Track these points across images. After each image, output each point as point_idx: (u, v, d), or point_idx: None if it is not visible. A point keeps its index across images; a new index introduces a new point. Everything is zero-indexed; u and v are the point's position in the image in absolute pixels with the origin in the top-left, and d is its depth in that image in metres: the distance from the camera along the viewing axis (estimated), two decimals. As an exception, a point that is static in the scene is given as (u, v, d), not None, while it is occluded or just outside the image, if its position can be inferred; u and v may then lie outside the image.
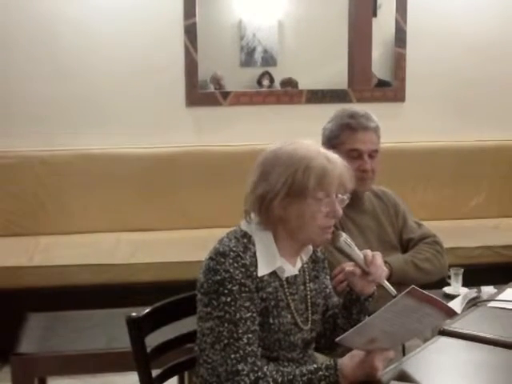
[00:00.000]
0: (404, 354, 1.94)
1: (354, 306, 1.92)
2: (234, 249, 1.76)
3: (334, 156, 1.81)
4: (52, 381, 2.89)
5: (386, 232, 2.52)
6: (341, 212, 1.81)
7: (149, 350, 1.92)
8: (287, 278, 1.84)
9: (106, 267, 3.67)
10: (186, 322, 2.01)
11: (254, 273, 1.76)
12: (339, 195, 1.80)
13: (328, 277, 2.01)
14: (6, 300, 3.55)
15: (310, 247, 1.92)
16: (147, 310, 1.95)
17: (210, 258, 1.77)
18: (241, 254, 1.76)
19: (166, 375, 2.00)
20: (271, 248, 1.81)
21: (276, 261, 1.81)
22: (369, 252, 1.88)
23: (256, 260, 1.77)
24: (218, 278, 1.73)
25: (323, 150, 1.82)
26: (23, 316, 2.82)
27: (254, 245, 1.79)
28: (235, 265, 1.74)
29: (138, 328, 1.90)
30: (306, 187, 1.75)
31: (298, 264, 1.89)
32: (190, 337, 1.96)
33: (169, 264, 3.70)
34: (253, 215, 1.83)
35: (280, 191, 1.76)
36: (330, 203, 1.78)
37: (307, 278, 1.91)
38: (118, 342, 2.55)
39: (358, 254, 1.87)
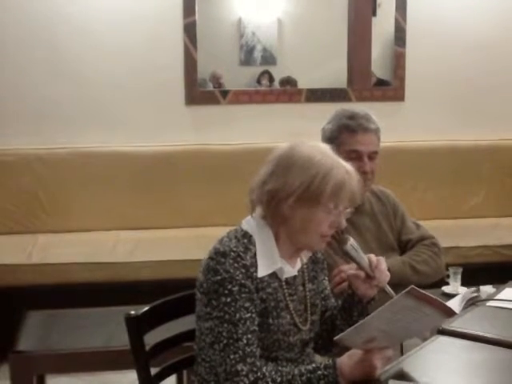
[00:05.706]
0: (402, 354, 1.94)
1: (355, 308, 1.91)
2: (235, 249, 1.75)
3: (351, 168, 1.79)
4: (51, 378, 2.89)
5: (385, 233, 2.52)
6: (344, 224, 1.82)
7: (147, 348, 1.92)
8: (286, 279, 1.84)
9: (104, 265, 3.66)
10: (184, 320, 2.01)
11: (254, 273, 1.76)
12: (346, 208, 1.81)
13: (327, 278, 2.01)
14: (4, 298, 3.54)
15: (311, 248, 1.92)
16: (146, 308, 1.95)
17: (210, 258, 1.76)
18: (241, 254, 1.75)
19: (165, 373, 2.00)
20: (271, 249, 1.80)
21: (276, 262, 1.80)
22: (373, 257, 1.88)
23: (256, 261, 1.77)
24: (218, 278, 1.72)
25: (342, 160, 1.79)
26: (22, 314, 2.81)
27: (254, 245, 1.78)
28: (235, 265, 1.73)
29: (136, 326, 1.90)
30: (321, 195, 1.74)
31: (298, 265, 1.89)
32: (189, 335, 1.96)
33: (168, 262, 3.70)
34: (258, 208, 1.82)
35: (293, 193, 1.74)
36: (337, 214, 1.79)
37: (306, 278, 1.91)
38: (116, 340, 2.55)
39: (364, 258, 1.88)
